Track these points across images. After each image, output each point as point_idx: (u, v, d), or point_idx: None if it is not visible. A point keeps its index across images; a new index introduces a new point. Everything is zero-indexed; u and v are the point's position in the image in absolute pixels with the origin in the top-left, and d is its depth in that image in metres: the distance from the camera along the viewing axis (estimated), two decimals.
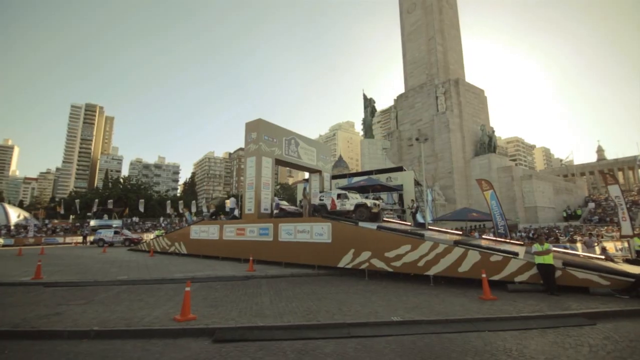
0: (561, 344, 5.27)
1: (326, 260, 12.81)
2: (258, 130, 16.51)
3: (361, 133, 66.15)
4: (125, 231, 34.33)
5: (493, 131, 47.73)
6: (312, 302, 8.00)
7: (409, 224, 16.98)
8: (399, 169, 25.09)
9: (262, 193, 16.31)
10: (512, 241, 14.85)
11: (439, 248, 10.27)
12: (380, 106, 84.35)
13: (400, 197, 21.75)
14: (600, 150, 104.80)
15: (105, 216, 45.01)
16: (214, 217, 20.80)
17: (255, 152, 16.44)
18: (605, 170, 75.79)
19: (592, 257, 12.69)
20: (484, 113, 51.31)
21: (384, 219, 18.00)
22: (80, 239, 37.48)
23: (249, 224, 15.99)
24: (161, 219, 51.48)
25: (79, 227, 44.09)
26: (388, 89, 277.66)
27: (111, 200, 52.55)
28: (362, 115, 55.22)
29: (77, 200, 55.66)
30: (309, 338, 5.61)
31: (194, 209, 49.69)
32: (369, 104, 54.07)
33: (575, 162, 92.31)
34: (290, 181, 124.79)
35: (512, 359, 4.69)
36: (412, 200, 19.85)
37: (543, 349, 5.06)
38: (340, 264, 12.26)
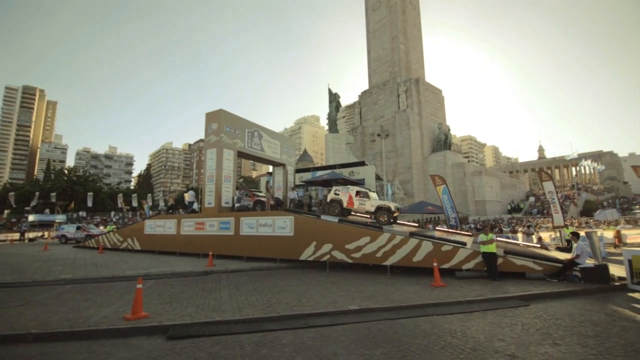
0: (499, 324, 5.83)
1: (288, 253, 12.88)
2: (219, 121, 15.99)
3: (326, 127, 66.58)
4: (91, 227, 31.21)
5: (449, 129, 50.58)
6: (273, 294, 8.03)
7: (369, 217, 17.52)
8: (362, 163, 25.71)
9: (223, 186, 15.89)
10: (462, 232, 15.97)
11: (395, 239, 10.77)
12: (345, 101, 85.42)
13: None
14: (541, 150, 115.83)
15: (47, 210, 41.09)
16: (171, 211, 19.82)
17: (216, 143, 15.91)
18: (544, 168, 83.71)
19: (530, 246, 14.08)
20: (441, 112, 54.11)
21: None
22: (17, 235, 33.86)
23: (209, 218, 15.52)
24: (112, 213, 48.09)
25: (16, 223, 39.84)
26: (353, 84, 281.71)
27: (54, 193, 48.02)
28: (328, 110, 55.62)
29: (11, 193, 50.04)
30: (268, 330, 5.64)
31: (150, 203, 47.06)
32: (334, 98, 54.56)
33: (520, 160, 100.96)
34: (254, 174, 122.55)
35: (456, 339, 5.10)
36: None
37: (483, 329, 5.56)
38: (302, 257, 12.39)
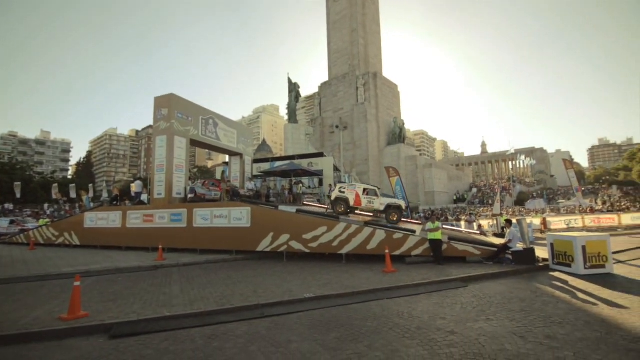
0: (441, 304, 6.34)
1: (245, 244, 12.69)
2: (170, 106, 15.03)
3: (286, 117, 65.75)
4: (28, 221, 27.24)
5: (403, 123, 52.84)
6: (227, 287, 7.88)
7: (327, 207, 17.82)
8: (320, 154, 25.96)
9: (175, 176, 15.07)
10: (412, 221, 16.91)
11: (351, 229, 11.11)
12: (305, 92, 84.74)
13: (321, 182, 22.65)
14: (483, 145, 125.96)
15: None
16: (115, 202, 18.32)
17: (166, 130, 14.97)
18: (485, 162, 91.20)
19: (471, 233, 15.37)
20: (397, 106, 56.21)
21: (305, 202, 18.52)
22: None
23: (158, 209, 14.67)
24: (46, 205, 43.25)
25: None
26: (313, 75, 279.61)
27: None
28: (287, 100, 54.86)
29: None
30: (221, 322, 5.55)
31: (91, 194, 43.05)
32: (293, 88, 53.84)
33: (466, 154, 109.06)
34: (210, 164, 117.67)
35: (403, 320, 5.46)
36: (330, 185, 20.81)
37: (427, 310, 6.02)
38: (259, 248, 12.29)
